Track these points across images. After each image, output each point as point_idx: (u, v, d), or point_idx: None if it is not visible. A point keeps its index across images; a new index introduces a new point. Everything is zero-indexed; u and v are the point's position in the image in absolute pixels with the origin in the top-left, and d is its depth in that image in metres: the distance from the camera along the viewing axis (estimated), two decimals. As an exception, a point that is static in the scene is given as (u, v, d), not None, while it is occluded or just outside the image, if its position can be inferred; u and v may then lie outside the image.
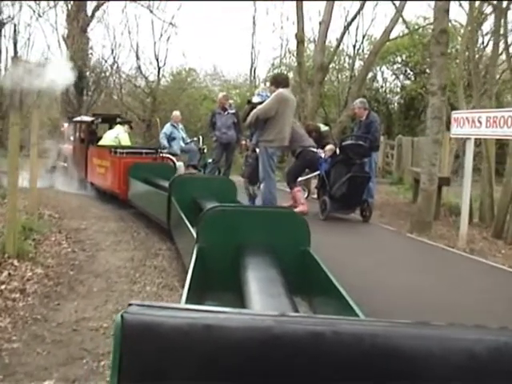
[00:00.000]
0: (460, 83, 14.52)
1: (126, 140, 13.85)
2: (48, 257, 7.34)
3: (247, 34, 44.11)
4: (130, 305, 1.75)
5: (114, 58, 26.52)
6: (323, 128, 13.79)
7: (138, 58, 25.93)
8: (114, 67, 26.55)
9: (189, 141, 16.54)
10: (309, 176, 12.78)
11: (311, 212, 10.67)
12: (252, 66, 30.41)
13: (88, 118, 14.81)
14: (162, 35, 25.94)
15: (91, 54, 27.12)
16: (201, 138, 16.92)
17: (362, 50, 28.69)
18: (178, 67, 27.60)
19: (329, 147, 12.03)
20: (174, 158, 15.33)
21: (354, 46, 28.46)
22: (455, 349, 1.69)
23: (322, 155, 11.50)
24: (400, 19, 18.30)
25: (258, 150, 10.27)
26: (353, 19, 20.82)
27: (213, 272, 4.46)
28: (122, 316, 1.69)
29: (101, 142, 13.56)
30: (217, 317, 1.76)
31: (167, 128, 15.96)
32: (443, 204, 12.81)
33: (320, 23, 17.31)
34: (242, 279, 3.89)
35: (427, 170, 9.65)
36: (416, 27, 23.49)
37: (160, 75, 25.91)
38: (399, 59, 29.74)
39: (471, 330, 1.79)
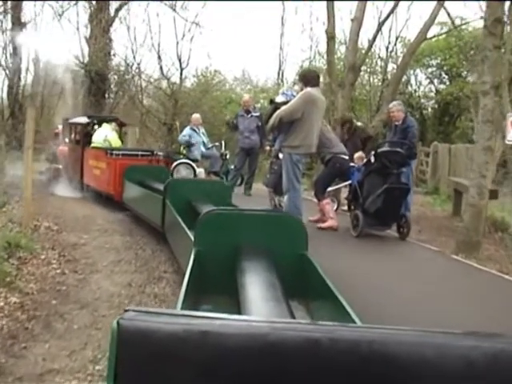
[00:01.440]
0: (505, 83, 13.18)
1: (115, 140, 13.35)
2: (30, 280, 6.23)
3: (275, 34, 42.64)
4: (126, 311, 1.74)
5: (135, 57, 25.50)
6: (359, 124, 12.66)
7: (159, 58, 24.83)
8: (135, 68, 25.51)
9: (210, 146, 15.48)
10: (339, 186, 11.57)
11: (341, 227, 9.47)
12: (280, 69, 29.26)
13: (83, 120, 14.33)
14: (184, 35, 24.79)
15: (113, 55, 26.16)
16: (223, 142, 15.81)
17: (396, 53, 27.38)
18: (203, 69, 26.47)
19: (358, 155, 10.89)
20: (194, 165, 14.39)
21: (387, 48, 27.18)
22: (452, 355, 1.69)
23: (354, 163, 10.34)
24: (436, 19, 16.99)
25: (281, 157, 9.13)
26: (386, 18, 19.56)
27: (209, 275, 4.41)
28: (118, 322, 1.68)
29: (93, 145, 13.17)
30: (213, 323, 1.76)
31: (187, 131, 14.99)
32: (486, 218, 11.51)
33: (352, 20, 16.14)
34: (238, 283, 3.84)
35: (476, 182, 8.35)
36: (453, 27, 21.98)
37: (183, 76, 24.80)
38: (434, 62, 28.35)
39: (468, 336, 1.78)
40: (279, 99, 8.76)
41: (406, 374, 1.67)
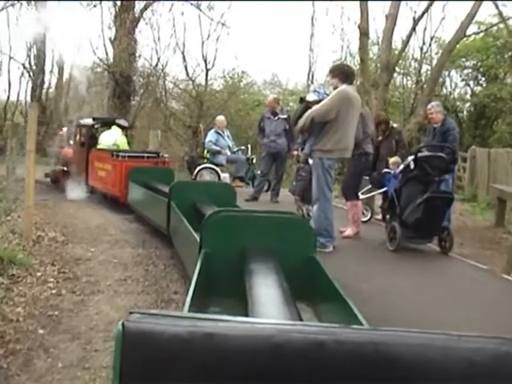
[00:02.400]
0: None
1: (124, 144, 13.47)
2: (19, 303, 5.42)
3: (305, 35, 41.50)
4: (131, 313, 1.73)
5: (159, 58, 24.75)
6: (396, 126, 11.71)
7: (184, 59, 24.00)
8: (159, 69, 24.74)
9: (236, 149, 14.68)
10: (373, 193, 10.65)
11: (375, 239, 8.56)
12: (310, 70, 28.34)
13: (88, 122, 14.29)
14: (209, 35, 23.93)
15: (139, 56, 25.48)
16: (249, 146, 15.00)
17: (430, 54, 26.30)
18: (230, 71, 25.58)
19: (394, 159, 9.93)
20: (218, 169, 13.64)
21: (421, 49, 26.12)
22: (457, 358, 1.69)
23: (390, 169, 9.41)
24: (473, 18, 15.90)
25: (310, 162, 8.26)
26: (421, 17, 18.58)
27: (217, 277, 4.34)
28: (123, 324, 1.68)
29: (99, 146, 13.21)
30: (218, 325, 1.76)
31: (212, 135, 14.28)
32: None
33: (386, 17, 15.18)
34: (246, 285, 3.77)
35: (531, 192, 7.39)
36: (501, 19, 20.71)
37: (208, 78, 23.94)
38: (470, 63, 27.18)
39: (472, 339, 1.77)
40: (310, 97, 7.80)
41: (411, 376, 1.68)
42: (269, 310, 3.17)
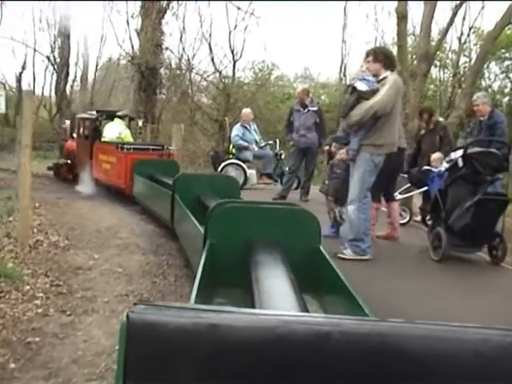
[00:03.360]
0: None
1: (128, 136, 13.40)
2: (-6, 327, 4.55)
3: (337, 27, 40.06)
4: (135, 304, 1.72)
5: (184, 48, 23.81)
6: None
7: (211, 50, 22.95)
8: (186, 61, 23.79)
9: (263, 144, 13.75)
10: (412, 193, 9.65)
11: (415, 245, 7.61)
12: (342, 63, 27.19)
13: (91, 115, 14.27)
14: (236, 25, 22.85)
15: (166, 48, 24.60)
16: (278, 140, 14.05)
17: (469, 45, 25.02)
18: (260, 63, 24.51)
19: (437, 155, 8.95)
20: (244, 166, 12.77)
21: (460, 39, 24.83)
22: (462, 349, 1.68)
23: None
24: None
25: (345, 157, 7.38)
26: (459, 6, 17.37)
27: (222, 269, 4.30)
28: (127, 315, 1.66)
29: (104, 139, 13.21)
30: (222, 316, 1.74)
31: (238, 129, 13.44)
32: None
33: (425, 3, 14.05)
34: (251, 276, 3.70)
35: None
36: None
37: (235, 69, 22.86)
38: (510, 55, 25.83)
39: (477, 330, 1.75)
40: (361, 86, 6.73)
41: (417, 368, 1.67)
42: (276, 301, 3.14)
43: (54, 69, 25.83)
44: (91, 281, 6.00)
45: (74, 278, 6.03)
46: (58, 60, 25.49)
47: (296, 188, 12.61)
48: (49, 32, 25.90)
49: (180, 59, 23.83)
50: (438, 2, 14.45)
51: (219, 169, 13.54)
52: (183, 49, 23.72)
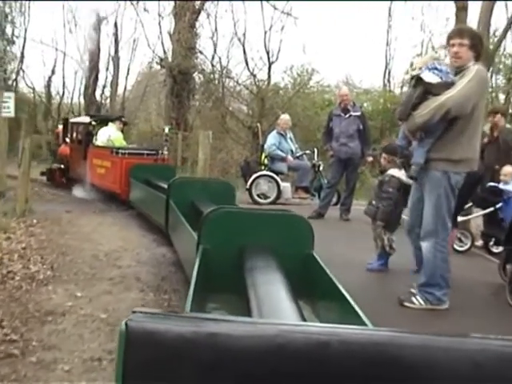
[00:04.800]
0: None
1: (119, 139, 13.03)
2: None
3: (381, 29, 37.97)
4: (133, 312, 1.71)
5: (215, 49, 22.30)
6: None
7: (244, 52, 21.29)
8: (217, 63, 22.30)
9: (299, 154, 12.23)
10: (476, 215, 8.03)
11: (481, 282, 6.04)
12: (386, 67, 25.49)
13: (84, 119, 14.45)
14: (272, 25, 21.15)
15: (200, 52, 23.22)
16: (316, 150, 12.52)
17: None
18: (299, 67, 22.84)
19: (507, 169, 7.38)
20: (277, 178, 11.29)
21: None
22: (461, 358, 1.69)
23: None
24: None
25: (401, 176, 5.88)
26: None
27: (216, 274, 4.28)
28: (126, 323, 1.67)
29: (97, 143, 13.09)
30: (220, 325, 1.76)
31: (274, 137, 12.14)
32: None
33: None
34: (246, 282, 3.69)
35: None
36: None
37: (271, 72, 21.14)
38: None
39: (477, 340, 1.77)
40: (430, 77, 4.99)
41: (416, 377, 1.68)
42: (272, 307, 3.10)
43: (83, 72, 24.65)
44: (59, 334, 4.47)
45: (38, 330, 4.52)
46: (87, 64, 24.34)
47: (335, 204, 11.10)
48: (75, 35, 24.80)
49: (214, 65, 22.32)
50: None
51: (249, 181, 12.11)
52: (215, 49, 22.18)
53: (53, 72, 26.55)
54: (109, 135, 12.78)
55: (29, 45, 25.78)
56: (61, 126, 16.10)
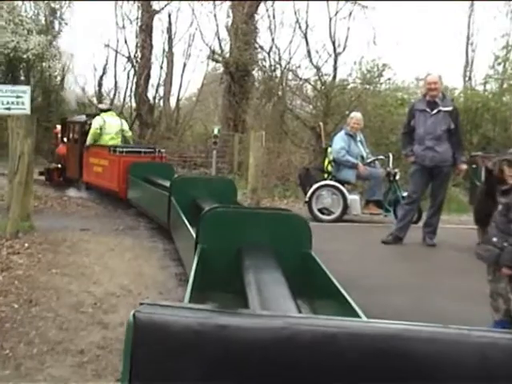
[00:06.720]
0: None
1: (110, 124, 12.57)
2: None
3: (462, 21, 34.72)
4: (141, 304, 1.72)
5: (273, 39, 19.97)
6: None
7: (306, 41, 18.69)
8: (276, 59, 20.02)
9: (370, 160, 9.91)
10: None
11: None
12: (467, 63, 22.75)
13: (81, 119, 14.22)
14: (337, 11, 18.47)
15: (260, 47, 21.07)
16: (391, 155, 10.19)
17: None
18: (369, 62, 20.27)
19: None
20: (343, 189, 9.04)
21: None
22: (468, 352, 1.69)
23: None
24: None
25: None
26: None
27: (214, 273, 4.30)
28: (133, 315, 1.68)
29: (103, 134, 12.62)
30: (228, 317, 1.77)
31: (342, 139, 10.31)
32: None
33: None
34: (243, 281, 3.71)
35: None
36: None
37: (337, 65, 18.53)
38: None
39: (484, 333, 1.76)
40: None
41: (423, 370, 1.67)
42: (269, 306, 3.04)
43: (135, 69, 22.73)
44: None
45: None
46: (138, 61, 22.44)
47: (416, 221, 8.81)
48: (124, 31, 23.04)
49: (275, 60, 20.07)
50: None
51: (309, 192, 9.94)
52: (272, 40, 19.86)
53: (104, 71, 24.89)
54: (98, 123, 12.45)
55: (77, 41, 24.22)
56: (59, 126, 15.94)
